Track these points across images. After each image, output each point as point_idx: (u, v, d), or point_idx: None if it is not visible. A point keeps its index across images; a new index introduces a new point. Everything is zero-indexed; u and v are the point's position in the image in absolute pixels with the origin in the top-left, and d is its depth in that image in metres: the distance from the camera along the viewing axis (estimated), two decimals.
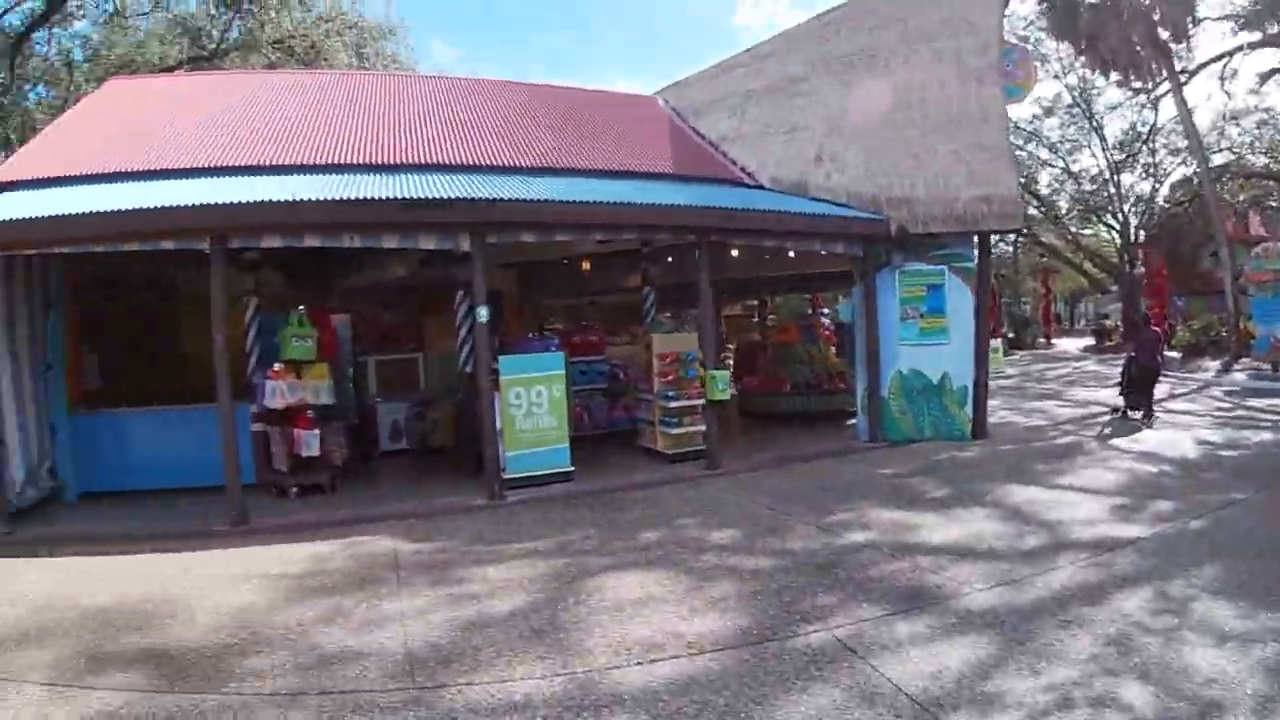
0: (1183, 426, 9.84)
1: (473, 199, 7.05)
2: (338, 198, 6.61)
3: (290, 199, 6.54)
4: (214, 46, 19.31)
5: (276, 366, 7.27)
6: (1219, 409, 11.72)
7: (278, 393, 7.09)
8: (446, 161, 9.14)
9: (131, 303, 9.81)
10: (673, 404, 8.72)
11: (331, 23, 19.79)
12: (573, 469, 7.95)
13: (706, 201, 8.42)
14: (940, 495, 6.78)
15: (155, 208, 6.21)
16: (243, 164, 8.36)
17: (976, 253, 9.60)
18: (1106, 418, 10.72)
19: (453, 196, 6.90)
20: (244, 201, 6.38)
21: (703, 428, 8.54)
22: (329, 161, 8.74)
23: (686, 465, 8.45)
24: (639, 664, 3.70)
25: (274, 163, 8.41)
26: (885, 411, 9.40)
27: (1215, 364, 17.89)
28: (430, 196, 6.74)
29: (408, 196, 6.64)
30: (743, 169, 11.14)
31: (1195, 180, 23.85)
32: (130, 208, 6.21)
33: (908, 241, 9.29)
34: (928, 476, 7.54)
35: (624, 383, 10.90)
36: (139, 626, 4.41)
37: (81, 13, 19.22)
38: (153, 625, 4.43)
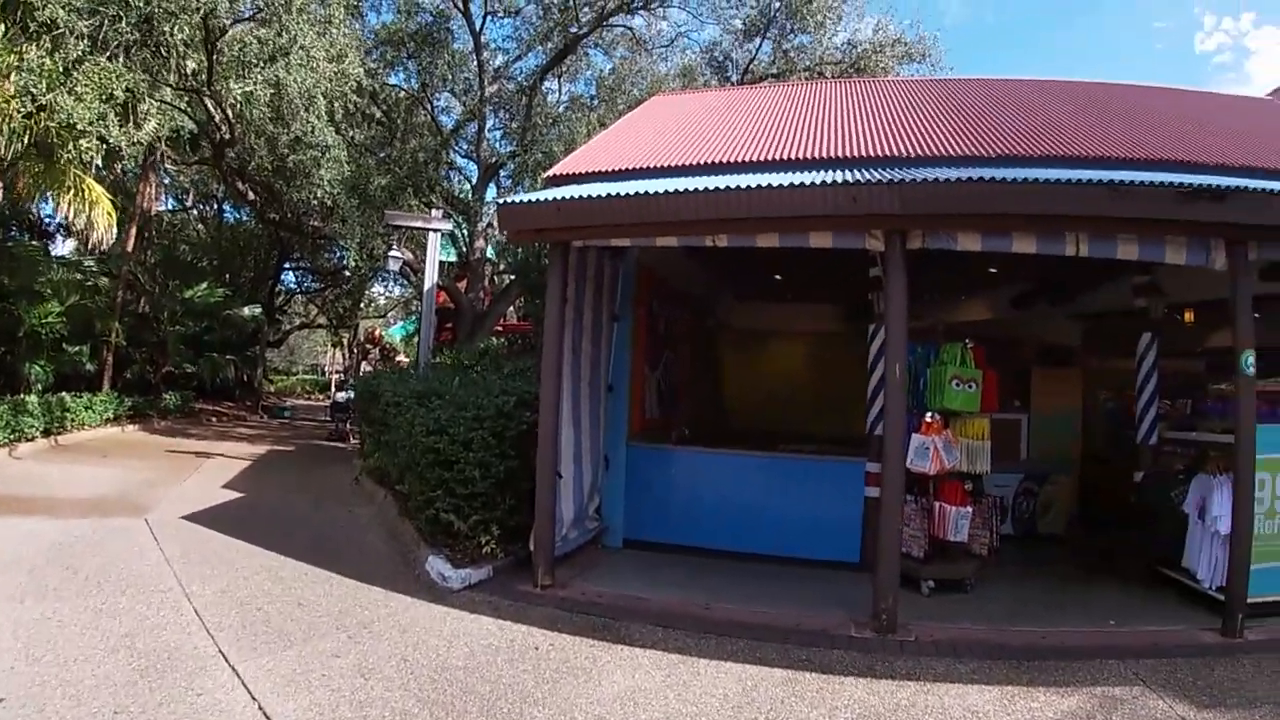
0: None
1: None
2: (1107, 179, 4.46)
3: (1033, 178, 4.64)
4: (738, 78, 18.47)
5: (929, 417, 5.42)
6: None
7: (931, 452, 5.25)
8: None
9: (686, 328, 8.74)
10: None
11: (877, 47, 18.23)
12: None
13: None
14: None
15: (821, 184, 4.79)
16: (838, 156, 6.69)
17: None
18: None
19: (1233, 185, 4.67)
20: (949, 180, 4.64)
21: None
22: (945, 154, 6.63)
23: None
24: None
25: (894, 154, 6.65)
26: None
27: None
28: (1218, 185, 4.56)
29: (1186, 184, 4.61)
30: None
31: None
32: (796, 184, 4.78)
33: None
34: None
35: None
36: None
37: (587, 63, 19.86)
38: None
